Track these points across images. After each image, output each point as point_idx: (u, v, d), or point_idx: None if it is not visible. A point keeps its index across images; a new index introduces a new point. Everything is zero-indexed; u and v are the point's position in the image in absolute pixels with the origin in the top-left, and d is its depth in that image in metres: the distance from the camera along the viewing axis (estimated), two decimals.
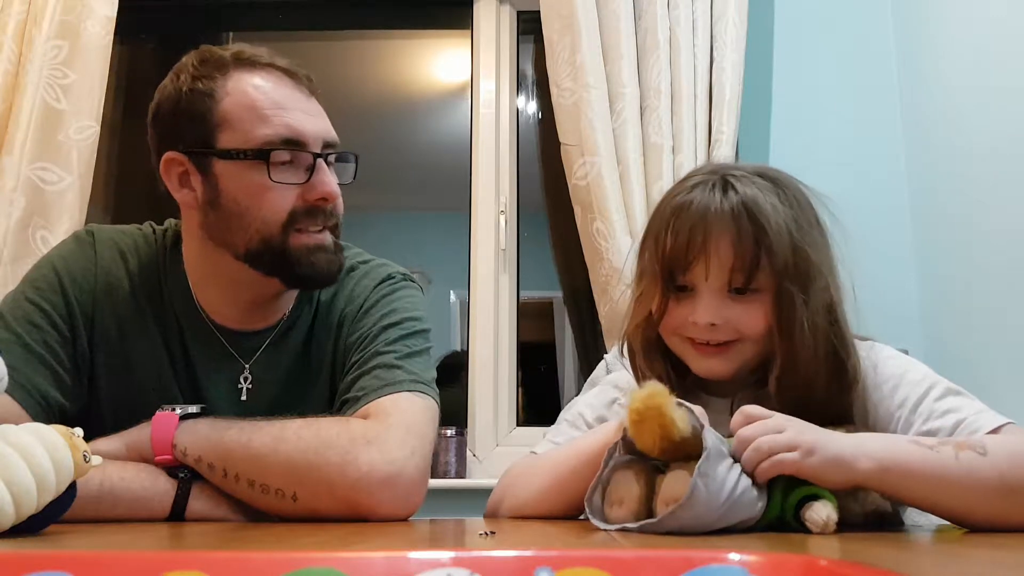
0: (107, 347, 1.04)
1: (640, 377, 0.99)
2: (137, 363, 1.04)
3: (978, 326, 1.79)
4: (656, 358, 0.97)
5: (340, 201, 1.05)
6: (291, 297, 1.10)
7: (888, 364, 0.95)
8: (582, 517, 0.86)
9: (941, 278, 1.95)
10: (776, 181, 0.95)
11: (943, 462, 0.79)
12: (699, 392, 0.99)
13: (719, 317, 0.91)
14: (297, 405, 1.00)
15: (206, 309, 1.06)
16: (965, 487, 0.78)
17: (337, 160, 1.06)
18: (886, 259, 2.00)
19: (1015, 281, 1.64)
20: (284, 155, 0.99)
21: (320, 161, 1.01)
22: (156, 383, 1.04)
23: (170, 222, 1.12)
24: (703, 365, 0.95)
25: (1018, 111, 1.63)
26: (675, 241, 0.91)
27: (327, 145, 1.03)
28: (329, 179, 1.02)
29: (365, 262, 1.14)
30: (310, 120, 1.02)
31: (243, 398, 1.06)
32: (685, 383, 0.98)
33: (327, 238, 1.03)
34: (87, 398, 1.03)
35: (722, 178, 0.93)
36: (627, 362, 1.01)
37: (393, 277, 1.12)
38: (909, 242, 2.06)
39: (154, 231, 1.11)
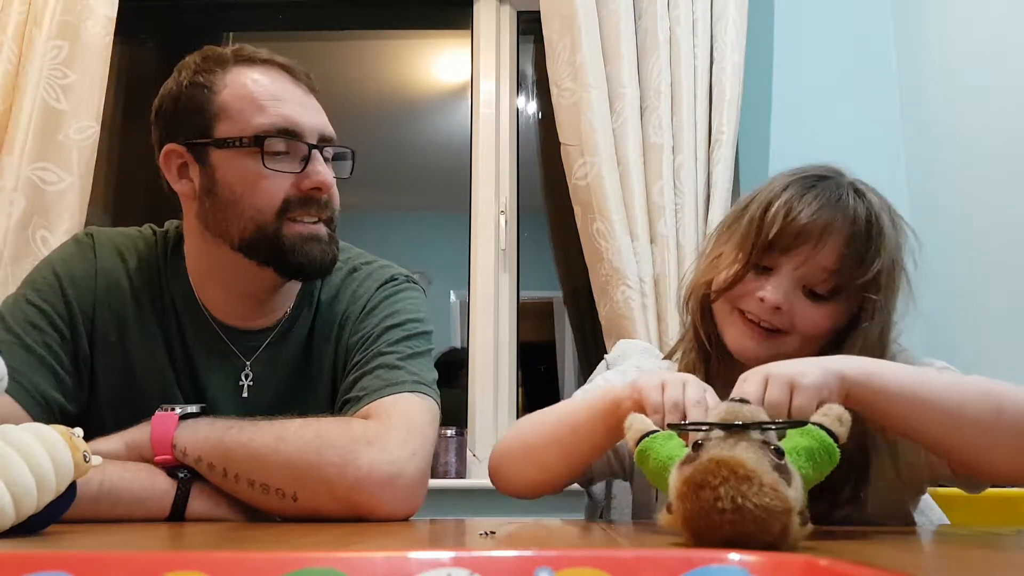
0: (107, 347, 1.04)
1: (696, 328, 0.99)
2: (138, 362, 1.04)
3: (978, 326, 1.79)
4: (706, 319, 0.99)
5: (336, 194, 1.05)
6: (291, 295, 1.10)
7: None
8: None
9: (941, 278, 1.95)
10: (889, 204, 0.95)
11: (923, 371, 0.79)
12: (734, 361, 0.98)
13: (786, 303, 0.91)
14: (298, 404, 1.00)
15: (207, 306, 1.07)
16: (948, 394, 0.76)
17: (334, 158, 1.07)
18: None
19: (1015, 280, 1.64)
20: (279, 144, 1.00)
21: (315, 152, 1.02)
22: (157, 382, 1.04)
23: (171, 223, 1.13)
24: (741, 342, 0.95)
25: (1018, 111, 1.63)
26: (790, 222, 0.90)
27: (323, 139, 1.04)
28: (324, 169, 1.02)
29: (368, 263, 1.14)
30: (306, 113, 1.03)
31: (244, 396, 1.06)
32: (724, 349, 0.98)
33: (321, 229, 1.03)
34: (87, 398, 1.03)
35: (851, 183, 0.93)
36: (684, 309, 1.04)
37: (396, 279, 1.13)
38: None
39: (154, 232, 1.12)
